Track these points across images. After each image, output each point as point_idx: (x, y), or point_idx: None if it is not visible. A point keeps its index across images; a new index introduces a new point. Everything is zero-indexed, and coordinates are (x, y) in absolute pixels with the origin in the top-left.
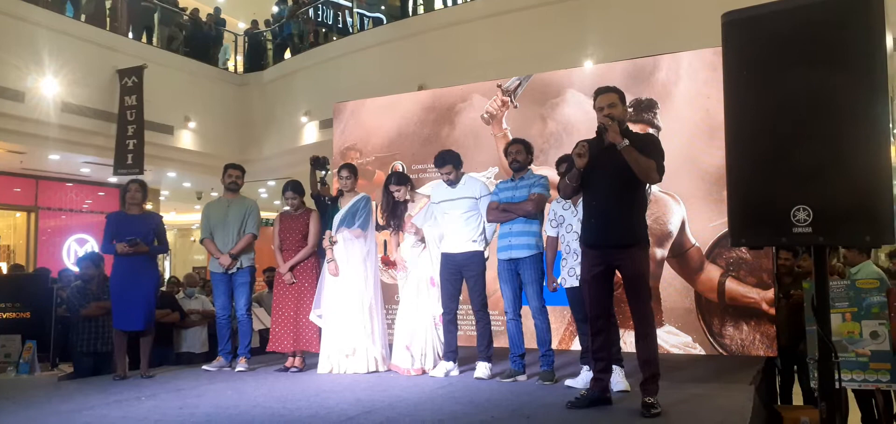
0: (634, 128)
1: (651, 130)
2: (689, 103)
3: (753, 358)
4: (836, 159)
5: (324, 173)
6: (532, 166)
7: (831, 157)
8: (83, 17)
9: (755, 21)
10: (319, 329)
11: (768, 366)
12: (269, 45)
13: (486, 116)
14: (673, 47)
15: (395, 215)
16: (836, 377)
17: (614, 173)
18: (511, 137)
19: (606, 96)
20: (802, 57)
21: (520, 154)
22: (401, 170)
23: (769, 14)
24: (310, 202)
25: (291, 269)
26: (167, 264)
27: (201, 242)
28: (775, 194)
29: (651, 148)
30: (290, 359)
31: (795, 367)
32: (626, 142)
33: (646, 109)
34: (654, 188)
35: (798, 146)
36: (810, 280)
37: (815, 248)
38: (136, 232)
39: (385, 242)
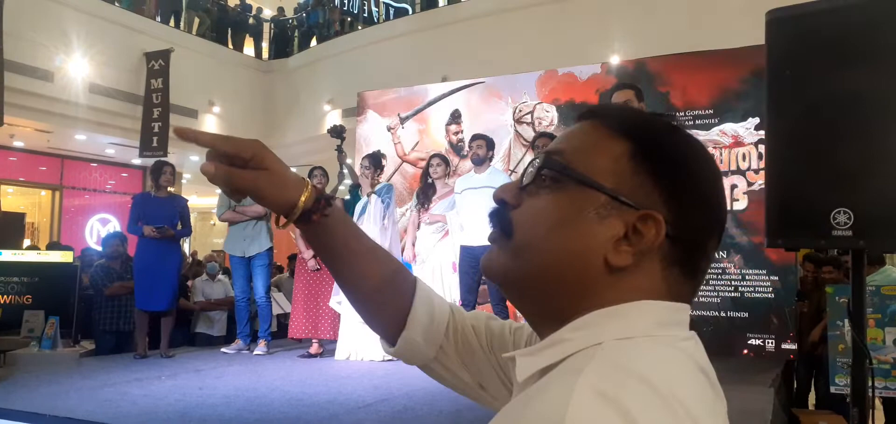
0: None
1: None
2: None
3: (773, 360)
4: (880, 161)
5: (341, 141)
6: None
7: (874, 160)
8: None
9: (800, 20)
10: (337, 317)
11: (787, 369)
12: (291, 33)
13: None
14: (702, 44)
15: (426, 194)
16: (869, 383)
17: None
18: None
19: (623, 93)
20: (848, 57)
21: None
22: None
23: (814, 13)
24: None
25: (315, 256)
26: (187, 247)
27: (220, 217)
28: (815, 195)
29: None
30: (315, 346)
31: (814, 372)
32: None
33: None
34: None
35: (840, 148)
36: (833, 286)
37: (853, 252)
38: (162, 214)
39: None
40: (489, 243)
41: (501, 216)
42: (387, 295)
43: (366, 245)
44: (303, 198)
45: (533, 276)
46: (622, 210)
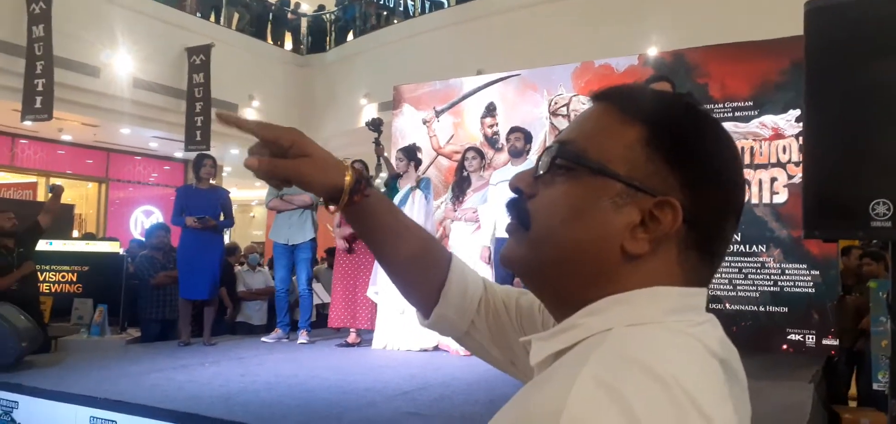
0: None
1: None
2: None
3: (813, 356)
4: None
5: (378, 134)
6: None
7: None
8: None
9: (839, 8)
10: (374, 307)
11: (828, 365)
12: (328, 27)
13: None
14: (741, 35)
15: (461, 187)
16: None
17: None
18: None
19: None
20: (887, 47)
21: None
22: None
23: (853, 3)
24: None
25: (351, 244)
26: (227, 237)
27: (267, 205)
28: (854, 186)
29: None
30: (353, 335)
31: (855, 368)
32: None
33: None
34: None
35: (880, 139)
36: (877, 280)
37: (893, 244)
38: (205, 206)
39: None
40: (506, 235)
41: (518, 207)
42: (422, 269)
43: (402, 222)
44: (346, 180)
45: (550, 266)
46: (638, 197)
